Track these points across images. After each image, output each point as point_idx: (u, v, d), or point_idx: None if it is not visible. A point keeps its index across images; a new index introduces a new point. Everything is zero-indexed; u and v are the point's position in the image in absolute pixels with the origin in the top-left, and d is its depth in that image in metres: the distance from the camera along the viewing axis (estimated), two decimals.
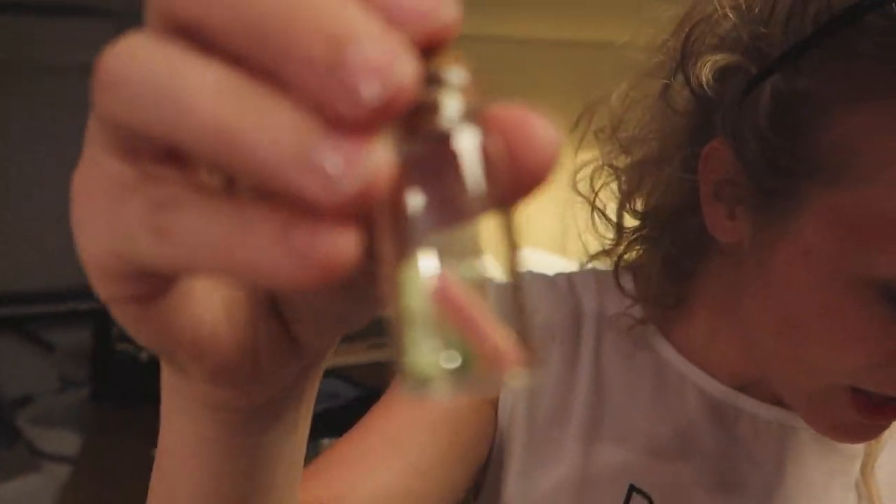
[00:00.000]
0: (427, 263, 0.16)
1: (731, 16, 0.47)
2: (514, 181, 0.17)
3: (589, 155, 0.58)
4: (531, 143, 0.16)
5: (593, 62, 0.58)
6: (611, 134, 0.56)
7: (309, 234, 0.15)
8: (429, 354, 0.15)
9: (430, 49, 0.16)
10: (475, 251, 0.16)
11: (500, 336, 0.15)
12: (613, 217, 0.57)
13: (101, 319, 1.94)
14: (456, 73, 0.16)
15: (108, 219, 0.17)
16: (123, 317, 0.20)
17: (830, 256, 0.41)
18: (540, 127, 0.17)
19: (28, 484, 1.84)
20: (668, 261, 0.54)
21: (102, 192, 0.17)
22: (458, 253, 0.16)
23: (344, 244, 0.15)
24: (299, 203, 0.15)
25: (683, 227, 0.52)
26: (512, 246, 0.16)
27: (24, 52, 2.28)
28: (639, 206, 0.56)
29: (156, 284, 0.19)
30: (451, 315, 0.15)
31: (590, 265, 0.61)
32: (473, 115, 0.16)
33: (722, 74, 0.47)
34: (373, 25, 0.14)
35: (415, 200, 0.16)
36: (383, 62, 0.14)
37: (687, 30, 0.49)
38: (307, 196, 0.14)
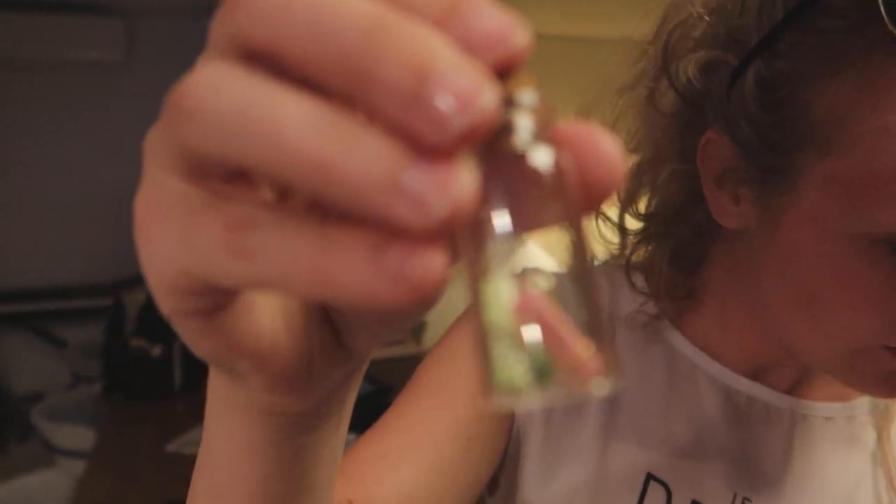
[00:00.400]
0: (509, 278, 0.16)
1: (704, 17, 0.48)
2: (585, 194, 0.17)
3: None
4: (600, 158, 0.17)
5: (590, 58, 0.59)
6: None
7: (403, 255, 0.15)
8: (514, 366, 0.16)
9: (503, 71, 0.16)
10: (552, 263, 0.17)
11: (581, 346, 0.16)
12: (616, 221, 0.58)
13: (113, 315, 1.95)
14: (528, 95, 0.17)
15: (179, 238, 0.17)
16: (185, 330, 0.20)
17: (834, 219, 0.42)
18: (606, 142, 0.18)
19: (42, 478, 1.86)
20: (676, 254, 0.55)
21: (170, 213, 0.18)
22: (536, 265, 0.17)
23: (436, 264, 0.15)
24: (389, 225, 0.15)
25: (688, 221, 0.54)
26: (585, 255, 0.17)
27: (34, 49, 2.28)
28: (641, 208, 0.57)
29: (221, 299, 0.19)
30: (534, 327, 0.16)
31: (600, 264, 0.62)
32: (545, 134, 0.17)
33: (705, 70, 0.48)
34: (454, 53, 0.15)
35: (495, 218, 0.16)
36: (467, 90, 0.14)
37: (665, 35, 0.51)
38: (399, 220, 0.15)
